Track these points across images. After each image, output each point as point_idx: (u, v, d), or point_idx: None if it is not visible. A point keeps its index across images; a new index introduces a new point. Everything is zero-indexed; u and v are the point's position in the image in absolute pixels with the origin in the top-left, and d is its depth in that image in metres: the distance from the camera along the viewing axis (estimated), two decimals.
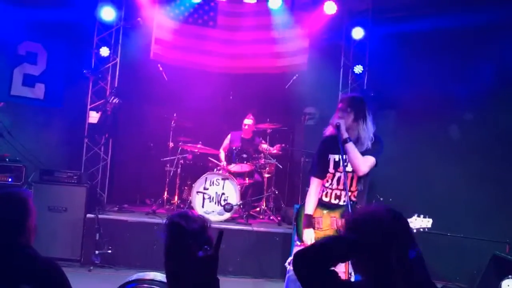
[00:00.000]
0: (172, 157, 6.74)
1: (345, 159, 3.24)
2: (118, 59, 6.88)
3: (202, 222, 1.82)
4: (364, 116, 3.33)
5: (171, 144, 6.87)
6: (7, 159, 5.82)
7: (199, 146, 6.72)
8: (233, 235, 5.72)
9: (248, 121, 7.01)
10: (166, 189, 6.73)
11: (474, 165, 5.61)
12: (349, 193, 3.30)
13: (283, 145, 7.06)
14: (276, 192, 6.99)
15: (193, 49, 7.14)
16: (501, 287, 4.34)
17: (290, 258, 3.37)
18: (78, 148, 6.74)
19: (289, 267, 3.45)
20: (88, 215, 5.69)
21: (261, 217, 6.73)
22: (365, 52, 7.06)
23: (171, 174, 6.67)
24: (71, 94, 6.96)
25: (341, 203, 3.40)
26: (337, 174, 3.40)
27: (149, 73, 7.20)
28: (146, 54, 6.90)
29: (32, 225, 2.11)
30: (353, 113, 3.33)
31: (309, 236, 3.35)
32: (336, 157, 3.38)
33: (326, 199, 3.45)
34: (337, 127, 3.27)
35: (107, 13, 6.64)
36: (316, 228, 3.39)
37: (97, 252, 5.47)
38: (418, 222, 3.29)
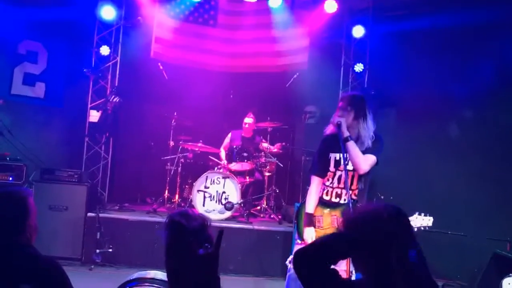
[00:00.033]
0: (172, 156, 6.73)
1: (346, 157, 3.24)
2: (118, 58, 6.88)
3: (202, 221, 1.81)
4: (364, 114, 3.33)
5: (171, 143, 6.87)
6: (7, 158, 5.82)
7: (199, 144, 6.71)
8: (234, 233, 5.73)
9: (248, 119, 7.00)
10: (167, 187, 6.73)
11: (475, 164, 5.63)
12: (350, 192, 3.28)
13: (284, 143, 7.06)
14: (277, 191, 6.99)
15: (193, 48, 7.15)
16: (502, 285, 4.33)
17: (291, 257, 3.37)
18: (79, 147, 6.74)
19: (290, 266, 3.46)
20: (89, 214, 5.69)
21: (261, 215, 6.74)
22: (365, 51, 7.06)
23: (172, 172, 6.67)
24: (72, 93, 6.96)
25: (342, 201, 3.40)
26: (338, 173, 3.39)
27: (149, 72, 7.19)
28: (146, 53, 6.90)
29: (32, 224, 2.11)
30: (353, 112, 3.33)
31: (310, 235, 3.35)
32: (337, 155, 3.37)
33: (326, 198, 3.44)
34: (338, 126, 3.26)
35: (108, 12, 6.64)
36: (316, 227, 3.39)
37: (98, 251, 5.47)
38: (419, 221, 3.28)
